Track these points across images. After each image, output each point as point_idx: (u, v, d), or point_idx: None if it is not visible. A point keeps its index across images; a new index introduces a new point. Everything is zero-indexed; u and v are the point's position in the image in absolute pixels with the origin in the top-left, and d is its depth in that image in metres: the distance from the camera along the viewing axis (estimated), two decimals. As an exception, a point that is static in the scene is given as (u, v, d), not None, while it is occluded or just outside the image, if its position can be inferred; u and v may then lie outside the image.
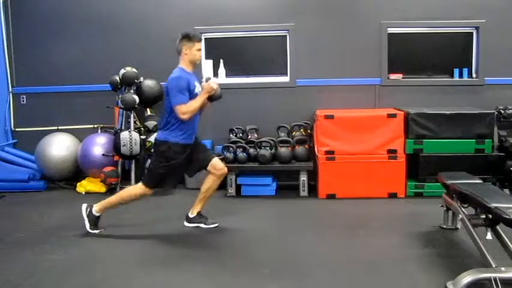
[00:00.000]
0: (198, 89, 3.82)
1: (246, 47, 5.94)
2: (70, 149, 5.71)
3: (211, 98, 3.82)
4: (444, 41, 5.68)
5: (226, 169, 4.06)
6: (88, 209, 3.95)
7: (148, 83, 5.46)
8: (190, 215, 4.09)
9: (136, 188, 3.92)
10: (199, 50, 3.83)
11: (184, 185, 5.56)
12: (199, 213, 4.08)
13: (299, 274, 3.08)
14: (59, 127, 5.99)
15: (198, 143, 3.98)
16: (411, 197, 4.94)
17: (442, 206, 3.83)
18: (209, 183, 3.97)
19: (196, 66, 3.95)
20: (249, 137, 5.48)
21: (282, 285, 2.94)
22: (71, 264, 3.31)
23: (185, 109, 3.65)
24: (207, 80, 3.81)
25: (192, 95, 3.74)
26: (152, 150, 3.94)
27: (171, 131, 3.75)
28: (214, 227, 4.04)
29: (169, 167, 3.78)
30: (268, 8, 5.75)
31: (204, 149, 4.07)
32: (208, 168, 3.94)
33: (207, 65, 5.88)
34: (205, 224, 4.06)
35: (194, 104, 3.70)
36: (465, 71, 5.60)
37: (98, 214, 3.94)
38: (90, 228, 3.92)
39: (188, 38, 3.77)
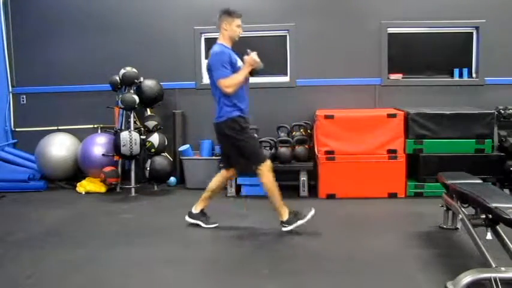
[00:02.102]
0: (240, 63, 3.81)
1: (246, 47, 5.91)
2: (70, 149, 5.71)
3: (253, 72, 3.81)
4: (444, 41, 5.68)
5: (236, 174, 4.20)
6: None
7: (148, 83, 5.46)
8: (194, 211, 4.08)
9: (265, 175, 3.82)
10: (239, 26, 3.83)
11: (184, 185, 5.56)
12: (202, 211, 4.08)
13: (299, 274, 3.08)
14: (59, 127, 5.99)
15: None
16: (411, 197, 4.94)
17: (442, 206, 3.83)
18: (219, 181, 4.02)
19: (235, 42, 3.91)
20: (249, 137, 5.48)
21: (281, 285, 2.94)
22: (71, 264, 3.31)
23: (228, 82, 3.64)
24: (248, 53, 3.77)
25: (235, 69, 3.73)
26: (221, 137, 3.86)
27: (228, 108, 3.73)
28: (214, 227, 4.04)
29: (250, 135, 3.80)
30: (268, 8, 5.75)
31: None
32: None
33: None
34: (205, 223, 4.05)
35: (238, 77, 3.69)
36: (465, 71, 5.60)
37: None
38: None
39: (228, 13, 3.79)
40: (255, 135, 3.78)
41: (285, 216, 3.85)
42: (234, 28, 3.80)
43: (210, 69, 3.75)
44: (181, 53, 5.83)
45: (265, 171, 3.80)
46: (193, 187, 5.43)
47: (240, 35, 3.88)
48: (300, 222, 3.81)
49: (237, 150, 3.84)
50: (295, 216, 3.84)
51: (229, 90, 3.65)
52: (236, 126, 3.74)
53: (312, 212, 3.84)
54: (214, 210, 4.24)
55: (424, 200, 4.81)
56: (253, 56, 3.74)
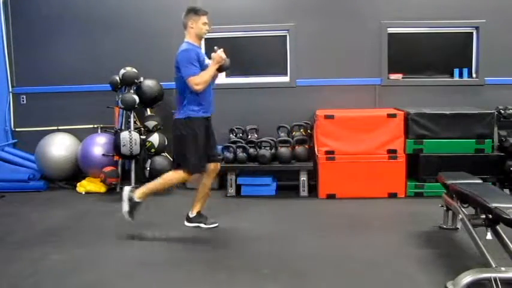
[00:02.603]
0: (207, 60, 3.82)
1: (246, 47, 5.94)
2: (70, 149, 5.71)
3: (221, 68, 3.82)
4: (444, 41, 5.68)
5: (218, 165, 4.09)
6: (130, 194, 3.81)
7: (148, 83, 5.47)
8: (191, 215, 4.09)
9: (177, 174, 3.80)
10: (206, 23, 3.83)
11: (184, 185, 5.56)
12: (199, 213, 4.08)
13: (299, 274, 3.08)
14: (59, 127, 5.99)
15: (212, 133, 3.99)
16: (411, 197, 4.94)
17: (442, 206, 3.83)
18: (207, 181, 4.01)
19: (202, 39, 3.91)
20: (249, 137, 5.48)
21: (282, 285, 2.94)
22: (71, 264, 3.31)
23: (198, 80, 3.64)
24: (215, 50, 3.79)
25: (203, 67, 3.74)
26: (173, 133, 3.86)
27: (190, 106, 3.74)
28: (214, 226, 4.05)
29: (197, 142, 3.75)
30: (268, 8, 5.75)
31: (213, 138, 4.04)
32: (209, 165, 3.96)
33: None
34: (205, 223, 4.06)
35: (206, 75, 3.69)
36: (465, 71, 5.60)
37: (138, 201, 3.82)
38: (129, 214, 3.78)
39: (194, 11, 3.80)
40: (204, 145, 3.79)
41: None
42: (200, 26, 3.81)
43: (177, 67, 3.74)
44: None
45: (179, 175, 3.79)
46: (193, 187, 5.40)
47: (207, 32, 3.88)
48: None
49: (180, 146, 3.81)
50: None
51: (198, 87, 3.66)
52: (192, 127, 3.75)
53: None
54: (214, 210, 4.24)
55: (424, 200, 4.81)
56: (219, 53, 3.75)
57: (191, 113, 3.75)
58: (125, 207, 3.80)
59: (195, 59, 3.68)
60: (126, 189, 3.87)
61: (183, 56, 3.69)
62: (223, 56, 3.76)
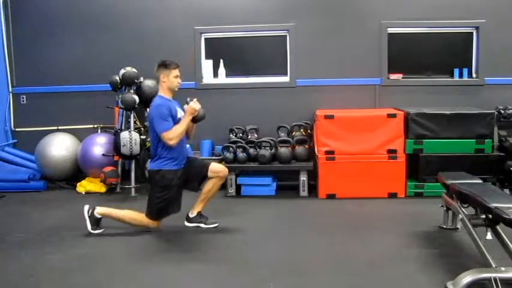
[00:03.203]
0: (180, 113, 3.85)
1: (246, 47, 5.94)
2: (70, 149, 5.71)
3: (195, 120, 3.84)
4: (444, 41, 5.68)
5: (226, 170, 4.08)
6: (90, 210, 3.96)
7: (148, 83, 5.46)
8: (191, 215, 4.09)
9: (142, 217, 3.89)
10: (177, 76, 3.85)
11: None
12: (199, 213, 4.09)
13: (299, 274, 3.08)
14: (59, 127, 5.99)
15: (190, 160, 4.00)
16: (411, 197, 4.94)
17: (442, 206, 3.83)
18: (210, 185, 3.99)
19: (176, 92, 3.92)
20: (249, 137, 5.49)
21: (282, 285, 2.94)
22: (71, 264, 3.31)
23: (171, 135, 3.66)
24: (188, 102, 3.80)
25: (176, 120, 3.76)
26: (149, 180, 3.96)
27: (163, 159, 3.78)
28: (214, 227, 4.05)
29: (167, 196, 3.79)
30: (268, 8, 5.75)
31: (196, 162, 4.09)
32: (209, 174, 3.96)
33: (207, 65, 5.89)
34: (205, 223, 4.06)
35: (179, 129, 3.71)
36: (465, 71, 5.60)
37: (99, 216, 3.96)
38: (92, 229, 3.92)
39: (164, 65, 3.83)
40: (170, 197, 3.82)
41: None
42: (171, 79, 3.83)
43: (151, 122, 3.78)
44: (181, 53, 5.81)
45: (146, 219, 3.87)
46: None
47: (179, 84, 3.89)
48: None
49: (150, 194, 3.89)
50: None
51: (172, 142, 3.67)
52: (163, 181, 3.77)
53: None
54: (214, 210, 4.24)
55: (424, 200, 4.81)
56: (192, 105, 3.75)
57: (163, 166, 3.78)
58: (88, 225, 3.91)
59: (167, 114, 3.70)
60: (85, 207, 3.98)
61: (155, 111, 3.73)
62: (197, 107, 3.76)
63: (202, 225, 4.06)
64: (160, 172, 3.78)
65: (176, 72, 3.85)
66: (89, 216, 3.93)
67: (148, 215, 3.86)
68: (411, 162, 4.98)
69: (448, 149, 4.89)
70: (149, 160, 4.01)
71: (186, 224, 4.09)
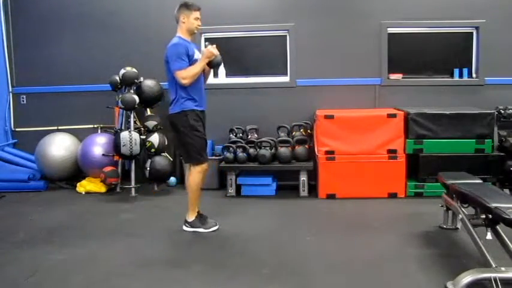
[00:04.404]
0: (197, 55, 3.81)
1: (246, 47, 5.94)
2: (70, 149, 5.71)
3: (211, 64, 3.81)
4: (444, 41, 5.68)
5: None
6: (188, 225, 3.94)
7: (148, 83, 5.47)
8: (189, 219, 4.02)
9: (192, 174, 3.83)
10: (197, 18, 3.82)
11: (184, 185, 5.55)
12: (199, 214, 4.06)
13: (299, 274, 3.08)
14: (59, 127, 5.99)
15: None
16: (411, 197, 4.94)
17: (442, 206, 3.83)
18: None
19: (194, 36, 3.89)
20: (249, 137, 5.49)
21: (281, 285, 2.94)
22: (71, 264, 3.31)
23: (185, 74, 3.65)
24: (207, 46, 3.78)
25: (192, 61, 3.74)
26: (172, 128, 3.87)
27: (183, 100, 3.75)
28: (214, 230, 4.00)
29: (199, 133, 3.76)
30: (268, 8, 5.75)
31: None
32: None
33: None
34: (204, 228, 3.97)
35: (194, 69, 3.70)
36: (465, 71, 5.60)
37: (193, 218, 3.93)
38: (206, 228, 3.89)
39: (186, 6, 3.79)
40: (202, 135, 3.80)
41: (191, 218, 3.93)
42: (191, 21, 3.80)
43: (167, 61, 3.75)
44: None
45: (196, 171, 3.82)
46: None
47: (199, 27, 3.87)
48: (200, 229, 3.90)
49: (180, 142, 3.86)
50: (200, 221, 3.93)
51: (185, 81, 3.66)
52: (187, 119, 3.75)
53: (216, 227, 3.93)
54: (214, 210, 4.24)
55: (424, 200, 4.81)
56: (210, 48, 3.74)
57: (184, 107, 3.76)
58: (201, 231, 3.89)
59: (183, 53, 3.68)
60: (184, 228, 3.94)
61: (171, 49, 3.70)
62: (215, 52, 3.75)
63: (201, 230, 3.96)
64: (183, 112, 3.74)
65: (197, 14, 3.82)
66: (192, 226, 3.92)
67: (191, 160, 3.78)
68: (411, 162, 4.98)
69: (448, 149, 4.89)
70: (169, 106, 3.88)
71: (185, 228, 4.02)
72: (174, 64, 3.67)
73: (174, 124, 3.84)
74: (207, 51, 3.74)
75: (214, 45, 3.79)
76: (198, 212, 4.04)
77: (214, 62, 3.80)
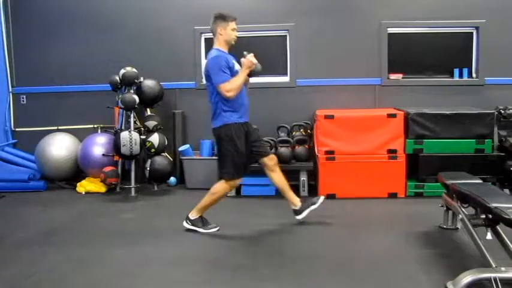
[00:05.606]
0: (237, 66, 3.81)
1: (246, 47, 5.91)
2: (70, 149, 5.71)
3: (251, 73, 3.80)
4: (444, 41, 5.68)
5: (272, 156, 4.08)
6: (187, 221, 3.95)
7: (148, 83, 5.47)
8: (297, 207, 4.08)
9: (221, 185, 3.82)
10: (234, 29, 3.81)
11: (184, 185, 5.56)
12: (302, 201, 4.10)
13: (299, 274, 3.08)
14: (59, 127, 5.99)
15: (254, 132, 3.98)
16: (411, 197, 4.94)
17: (442, 206, 3.83)
18: (276, 177, 4.02)
19: (231, 46, 3.88)
20: (249, 137, 5.48)
21: (281, 285, 2.94)
22: (71, 264, 3.31)
23: (229, 86, 3.62)
24: (245, 55, 3.77)
25: (233, 73, 3.72)
26: (215, 140, 3.88)
27: (225, 113, 3.73)
28: (321, 201, 4.07)
29: (239, 148, 3.74)
30: (268, 8, 5.75)
31: (257, 135, 4.08)
32: (266, 161, 3.96)
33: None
34: (314, 204, 4.05)
35: (237, 81, 3.67)
36: (465, 71, 5.60)
37: (197, 216, 3.93)
38: (205, 229, 3.91)
39: (222, 17, 3.78)
40: (242, 150, 3.78)
41: (194, 216, 3.94)
42: (229, 32, 3.79)
43: (208, 75, 3.74)
44: (181, 53, 5.84)
45: (225, 183, 3.81)
46: (193, 187, 5.43)
47: (236, 37, 3.86)
48: (200, 230, 3.93)
49: (219, 153, 3.86)
50: (201, 222, 3.94)
51: (230, 94, 3.64)
52: (229, 133, 3.74)
53: (215, 229, 3.94)
54: (214, 210, 4.24)
55: (424, 200, 4.81)
56: (250, 58, 3.73)
57: (226, 120, 3.74)
58: (200, 230, 3.91)
59: (225, 65, 3.66)
60: (184, 223, 3.96)
61: (213, 63, 3.67)
62: (254, 60, 3.74)
63: (312, 207, 4.05)
64: (225, 126, 3.73)
65: (233, 25, 3.81)
66: (192, 224, 3.93)
67: (226, 175, 3.78)
68: (411, 162, 4.98)
69: (448, 149, 4.89)
70: (211, 120, 3.86)
71: (298, 217, 4.07)
72: (217, 78, 3.64)
73: (216, 137, 3.85)
74: (247, 61, 3.72)
75: (252, 54, 3.78)
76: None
77: (255, 70, 3.80)
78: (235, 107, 3.75)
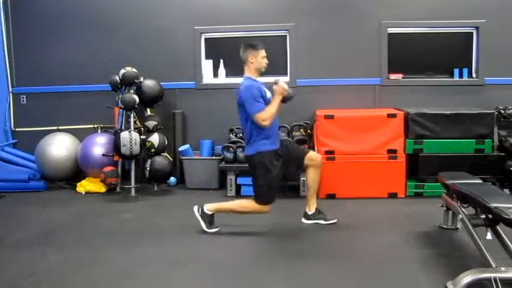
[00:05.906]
0: (268, 94, 3.86)
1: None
2: (70, 149, 5.71)
3: (284, 99, 3.84)
4: (444, 41, 5.68)
5: (321, 157, 4.14)
6: (200, 209, 3.96)
7: (148, 83, 5.47)
8: (309, 212, 4.12)
9: (252, 204, 3.86)
10: (264, 57, 3.88)
11: (185, 185, 5.56)
12: (317, 210, 4.12)
13: (299, 274, 3.08)
14: (59, 127, 5.99)
15: (286, 145, 4.04)
16: (411, 197, 4.94)
17: (442, 206, 3.83)
18: (311, 176, 4.04)
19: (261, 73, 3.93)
20: (249, 137, 5.48)
21: (281, 284, 2.94)
22: (71, 265, 3.31)
23: (264, 116, 3.67)
24: (276, 82, 3.81)
25: (266, 101, 3.77)
26: (249, 166, 3.93)
27: (258, 141, 3.78)
28: (333, 222, 4.07)
29: (272, 175, 3.77)
30: (268, 8, 5.75)
31: (293, 145, 4.18)
32: (306, 162, 3.99)
33: (207, 65, 5.89)
34: (324, 219, 4.09)
35: (271, 109, 3.72)
36: (465, 71, 5.60)
37: (210, 213, 3.94)
38: (207, 227, 3.92)
39: (252, 46, 3.85)
40: (276, 176, 3.82)
41: (208, 211, 3.94)
42: (260, 60, 3.85)
43: (241, 105, 3.77)
44: (181, 53, 5.84)
45: (256, 205, 3.83)
46: (193, 187, 5.43)
47: (266, 65, 3.92)
48: (203, 225, 3.93)
49: (254, 179, 3.89)
50: (209, 220, 3.95)
51: (266, 123, 3.68)
52: (262, 160, 3.77)
53: (216, 229, 3.94)
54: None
55: (424, 200, 4.81)
56: (281, 85, 3.77)
57: (260, 148, 3.77)
58: (202, 224, 3.92)
59: (258, 95, 3.71)
60: (194, 208, 3.97)
61: (247, 94, 3.71)
62: (286, 86, 3.78)
63: (321, 221, 4.08)
64: (259, 154, 3.76)
65: (263, 52, 3.87)
66: (201, 216, 3.94)
67: (258, 199, 3.82)
68: (411, 162, 4.98)
69: (448, 149, 4.89)
70: (245, 147, 3.94)
71: (304, 221, 4.12)
72: (252, 108, 3.68)
73: (249, 164, 3.89)
74: (279, 88, 3.76)
75: (284, 81, 3.85)
76: (316, 209, 4.12)
77: (288, 96, 3.83)
78: (268, 134, 3.80)
